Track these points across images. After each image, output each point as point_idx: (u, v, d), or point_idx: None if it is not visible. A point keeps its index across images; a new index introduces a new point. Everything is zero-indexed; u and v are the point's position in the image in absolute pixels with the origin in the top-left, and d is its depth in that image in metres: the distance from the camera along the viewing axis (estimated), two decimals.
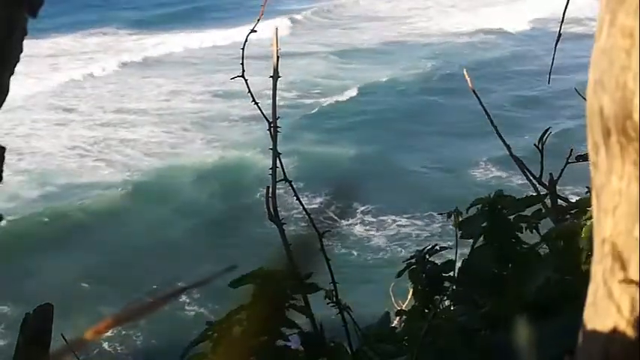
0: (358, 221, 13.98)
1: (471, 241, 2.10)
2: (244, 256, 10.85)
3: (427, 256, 2.20)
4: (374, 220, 14.09)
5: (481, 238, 2.06)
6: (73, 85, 22.64)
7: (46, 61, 24.90)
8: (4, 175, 0.70)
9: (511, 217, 2.07)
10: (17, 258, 12.61)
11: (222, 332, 1.80)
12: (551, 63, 2.56)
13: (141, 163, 17.07)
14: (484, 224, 2.05)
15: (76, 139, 18.48)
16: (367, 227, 13.85)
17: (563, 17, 2.32)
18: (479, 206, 2.08)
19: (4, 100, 0.69)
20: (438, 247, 2.25)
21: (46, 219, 14.31)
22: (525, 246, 2.04)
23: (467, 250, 2.12)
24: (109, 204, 14.96)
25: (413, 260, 2.21)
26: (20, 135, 18.34)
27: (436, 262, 2.21)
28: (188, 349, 1.88)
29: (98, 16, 31.46)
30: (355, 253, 12.89)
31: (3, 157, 0.70)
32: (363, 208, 14.24)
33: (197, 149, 17.83)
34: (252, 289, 1.80)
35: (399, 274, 2.25)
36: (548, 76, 2.66)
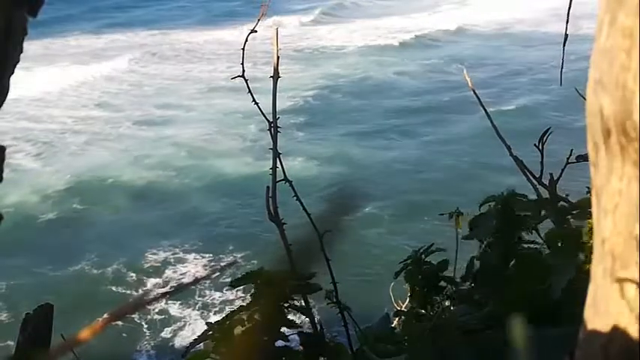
0: None
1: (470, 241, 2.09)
2: None
3: (423, 257, 2.19)
4: None
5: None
6: None
7: None
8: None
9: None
10: None
11: (223, 332, 1.80)
12: (561, 64, 2.56)
13: None
14: (494, 223, 2.03)
15: None
16: None
17: (567, 17, 2.31)
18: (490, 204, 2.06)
19: (4, 100, 0.69)
20: (434, 248, 2.24)
21: None
22: (530, 246, 2.03)
23: (467, 249, 2.11)
24: None
25: (409, 261, 2.20)
26: None
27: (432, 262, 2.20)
28: (189, 348, 1.88)
29: None
30: None
31: (3, 157, 0.70)
32: None
33: None
34: (252, 289, 1.80)
35: (397, 275, 2.24)
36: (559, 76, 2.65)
